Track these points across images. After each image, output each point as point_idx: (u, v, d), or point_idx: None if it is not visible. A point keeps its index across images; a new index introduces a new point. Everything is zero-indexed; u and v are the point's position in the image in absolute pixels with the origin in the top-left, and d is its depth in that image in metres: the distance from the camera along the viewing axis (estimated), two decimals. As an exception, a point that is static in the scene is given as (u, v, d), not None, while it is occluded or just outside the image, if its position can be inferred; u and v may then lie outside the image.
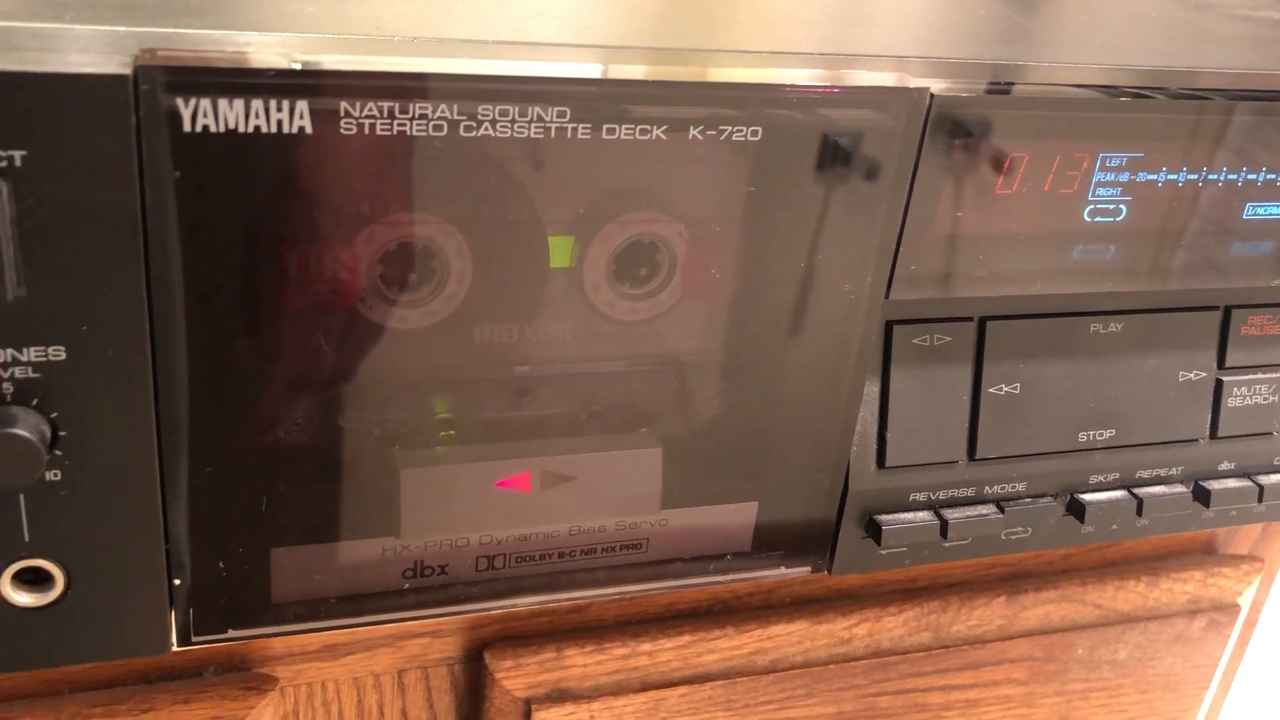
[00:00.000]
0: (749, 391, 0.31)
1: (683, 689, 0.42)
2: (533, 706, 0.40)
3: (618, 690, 0.41)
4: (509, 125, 0.26)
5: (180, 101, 0.23)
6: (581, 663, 0.40)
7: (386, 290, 0.28)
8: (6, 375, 0.24)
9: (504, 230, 0.28)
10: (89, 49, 0.24)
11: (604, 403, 0.31)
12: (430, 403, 0.30)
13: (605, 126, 0.26)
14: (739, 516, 0.32)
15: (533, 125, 0.26)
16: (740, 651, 0.42)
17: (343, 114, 0.24)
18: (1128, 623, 0.47)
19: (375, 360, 0.28)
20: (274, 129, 0.24)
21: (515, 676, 0.40)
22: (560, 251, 0.29)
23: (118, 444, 0.26)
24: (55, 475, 0.26)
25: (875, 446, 0.32)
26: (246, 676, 0.37)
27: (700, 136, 0.27)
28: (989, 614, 0.46)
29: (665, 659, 0.41)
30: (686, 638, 0.41)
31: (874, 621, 0.44)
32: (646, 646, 0.41)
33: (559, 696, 0.40)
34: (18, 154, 0.23)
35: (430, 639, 0.39)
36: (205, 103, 0.23)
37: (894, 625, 0.44)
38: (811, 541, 0.33)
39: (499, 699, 0.40)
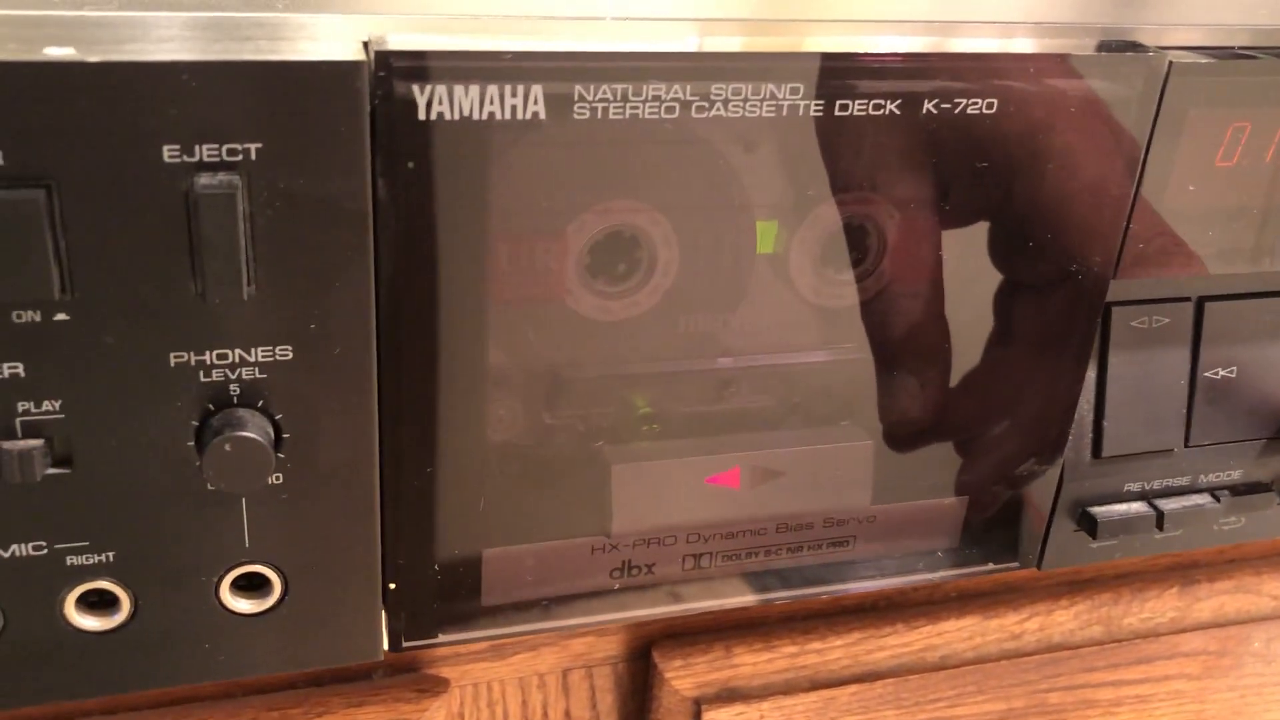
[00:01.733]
0: (962, 380, 0.30)
1: (854, 687, 0.40)
2: (702, 706, 0.39)
3: (788, 689, 0.40)
4: (741, 104, 0.25)
5: (416, 88, 0.22)
6: (751, 661, 0.39)
7: (593, 281, 0.27)
8: (234, 376, 0.24)
9: (711, 217, 0.27)
10: (317, 36, 0.23)
11: (808, 393, 0.30)
12: (634, 396, 0.29)
13: (839, 103, 0.25)
14: (948, 511, 0.31)
15: (765, 104, 0.25)
16: (910, 648, 0.41)
17: (577, 98, 0.23)
18: (1306, 614, 0.45)
19: (580, 353, 0.27)
20: (508, 115, 0.23)
21: (684, 676, 0.39)
22: (766, 237, 0.28)
23: (340, 445, 0.25)
24: (278, 479, 0.25)
25: (1091, 436, 0.31)
26: (419, 678, 0.37)
27: (934, 110, 0.26)
28: (1161, 606, 0.44)
29: (835, 657, 0.40)
30: (856, 635, 0.40)
31: (1045, 615, 0.42)
32: (816, 644, 0.40)
33: (729, 696, 0.39)
34: (253, 147, 0.22)
35: (595, 637, 0.38)
36: (441, 89, 0.22)
37: (1065, 619, 0.43)
38: (1022, 536, 0.32)
39: (668, 699, 0.39)
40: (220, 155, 0.22)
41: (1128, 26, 0.29)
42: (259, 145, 0.22)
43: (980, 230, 0.28)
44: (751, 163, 0.26)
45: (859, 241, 0.28)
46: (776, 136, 0.26)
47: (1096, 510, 0.31)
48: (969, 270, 0.29)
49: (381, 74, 0.22)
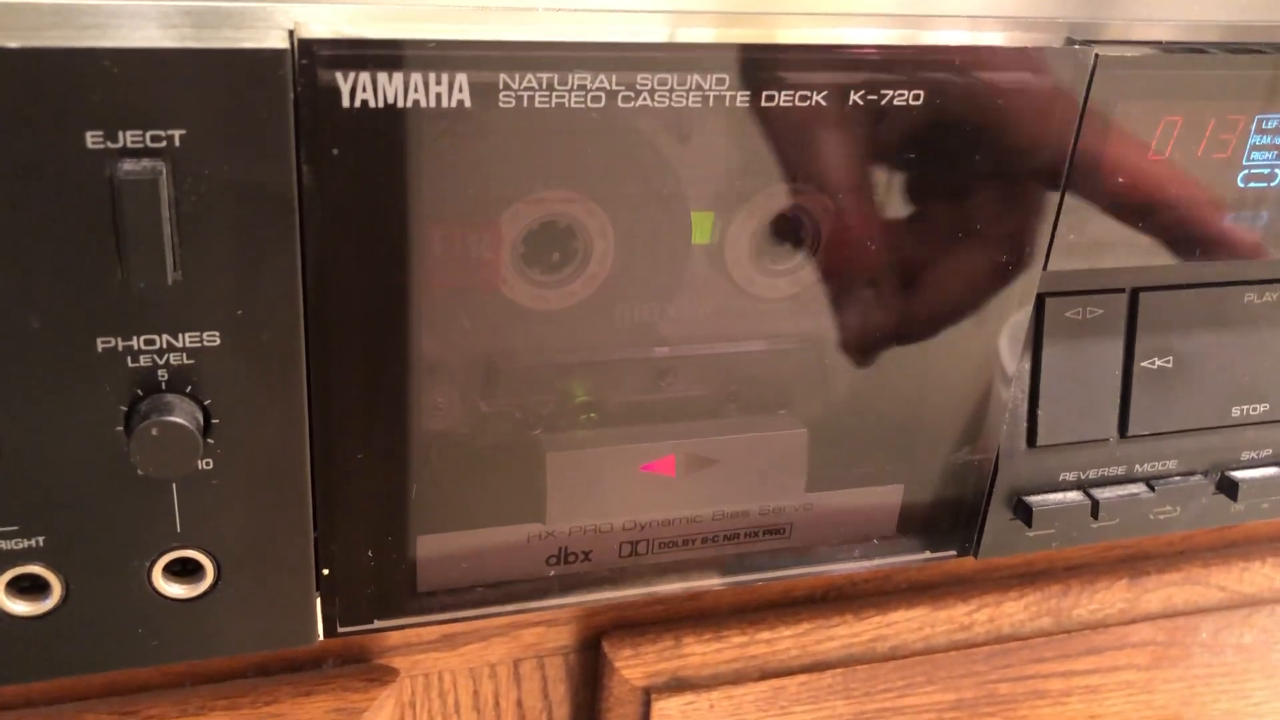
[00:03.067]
0: (896, 370, 0.30)
1: (802, 677, 0.41)
2: (652, 696, 0.39)
3: (737, 679, 0.40)
4: (667, 95, 0.25)
5: (340, 76, 0.22)
6: (700, 651, 0.40)
7: (529, 270, 0.27)
8: (162, 362, 0.24)
9: (646, 207, 0.27)
10: (242, 24, 0.23)
11: (745, 383, 0.30)
12: (571, 385, 0.29)
13: (764, 94, 0.25)
14: (884, 499, 0.31)
15: (691, 94, 0.25)
16: (860, 639, 0.41)
17: (502, 87, 0.23)
18: (1254, 605, 0.46)
19: (516, 342, 0.28)
20: (433, 103, 0.23)
21: (634, 665, 0.39)
22: (701, 227, 0.28)
23: (270, 431, 0.25)
24: (208, 464, 0.25)
25: (1026, 425, 0.31)
26: (367, 668, 0.37)
27: (861, 102, 0.26)
28: (1110, 597, 0.44)
29: (784, 647, 0.41)
30: (805, 625, 0.41)
31: (994, 606, 0.43)
32: (765, 634, 0.40)
33: (678, 685, 0.40)
34: (177, 134, 0.22)
35: (546, 628, 0.39)
36: (365, 77, 0.23)
37: (1015, 610, 0.43)
38: (958, 524, 0.32)
39: (618, 689, 0.39)
40: (144, 142, 0.22)
41: (1178, 21, 0.29)
42: (183, 132, 0.22)
43: (911, 221, 0.28)
44: (685, 153, 0.27)
45: (793, 232, 0.29)
46: (707, 127, 0.26)
47: (1032, 499, 0.32)
48: (902, 259, 0.29)
49: (305, 62, 0.22)
